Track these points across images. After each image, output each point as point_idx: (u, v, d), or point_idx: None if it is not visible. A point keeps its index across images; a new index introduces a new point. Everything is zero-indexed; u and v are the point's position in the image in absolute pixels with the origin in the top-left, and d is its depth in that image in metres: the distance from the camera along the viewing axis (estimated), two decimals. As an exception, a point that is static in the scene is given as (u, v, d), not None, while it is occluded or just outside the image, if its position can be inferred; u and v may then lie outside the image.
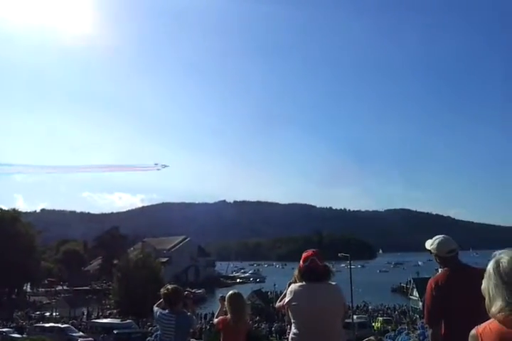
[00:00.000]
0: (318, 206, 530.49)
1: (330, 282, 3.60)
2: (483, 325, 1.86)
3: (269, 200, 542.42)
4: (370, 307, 56.05)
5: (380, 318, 41.51)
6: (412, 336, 11.68)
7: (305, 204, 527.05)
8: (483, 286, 1.93)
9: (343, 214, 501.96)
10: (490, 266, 1.90)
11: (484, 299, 1.90)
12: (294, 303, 3.47)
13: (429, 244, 3.74)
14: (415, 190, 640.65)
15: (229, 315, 5.13)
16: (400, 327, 22.34)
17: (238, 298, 5.27)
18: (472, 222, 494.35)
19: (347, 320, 35.04)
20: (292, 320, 3.52)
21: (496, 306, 1.81)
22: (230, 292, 5.39)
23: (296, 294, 3.48)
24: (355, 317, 36.91)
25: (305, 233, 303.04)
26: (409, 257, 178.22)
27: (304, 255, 3.63)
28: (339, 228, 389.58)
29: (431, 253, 3.75)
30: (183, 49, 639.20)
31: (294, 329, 3.49)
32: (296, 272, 3.64)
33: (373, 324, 39.37)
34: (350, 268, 34.27)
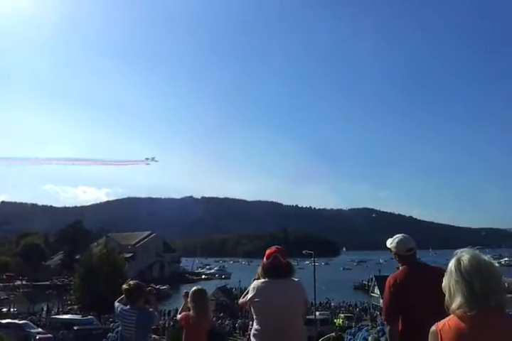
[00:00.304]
0: (284, 204, 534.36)
1: (293, 278, 3.62)
2: (442, 321, 1.91)
3: (237, 197, 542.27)
4: (332, 304, 56.92)
5: (342, 315, 42.21)
6: (371, 332, 11.93)
7: (272, 202, 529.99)
8: (444, 283, 1.98)
9: (309, 212, 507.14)
10: (451, 264, 1.97)
11: (440, 296, 1.97)
12: (256, 299, 3.48)
13: (389, 243, 3.83)
14: (380, 189, 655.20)
15: (191, 312, 5.11)
16: (360, 324, 22.79)
17: (201, 294, 5.25)
18: (433, 223, 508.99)
19: (309, 317, 35.45)
20: (254, 316, 3.53)
21: (455, 303, 1.87)
22: (194, 288, 5.36)
23: (258, 290, 3.49)
24: (317, 313, 37.43)
25: (271, 230, 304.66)
26: (372, 255, 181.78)
27: (267, 252, 3.65)
28: (305, 226, 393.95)
29: (391, 251, 3.84)
30: (142, 38, 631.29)
31: (255, 326, 3.50)
32: (259, 269, 3.66)
33: (335, 320, 40.00)
34: (314, 265, 34.69)
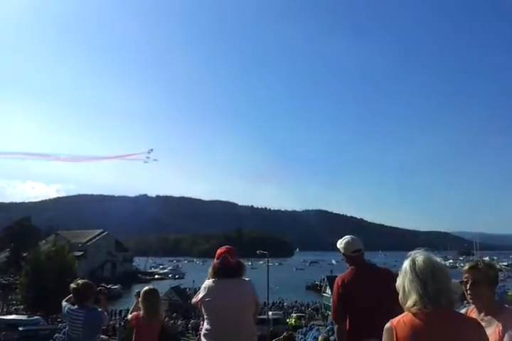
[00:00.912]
0: (240, 204, 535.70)
1: (243, 278, 3.65)
2: (397, 318, 2.01)
3: (193, 196, 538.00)
4: (285, 303, 57.39)
5: (294, 314, 42.68)
6: (322, 331, 12.17)
7: (228, 202, 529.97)
8: (398, 282, 2.08)
9: (264, 212, 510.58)
10: (406, 264, 2.08)
11: (386, 296, 2.06)
12: (206, 299, 3.49)
13: (339, 244, 3.95)
14: (333, 192, 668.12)
15: (142, 312, 5.05)
16: (311, 323, 23.15)
17: (152, 294, 5.18)
18: (383, 225, 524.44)
19: (262, 316, 35.71)
20: (205, 316, 3.54)
21: (410, 300, 1.98)
22: (145, 288, 5.30)
23: (209, 290, 3.51)
24: (270, 313, 37.70)
25: (226, 230, 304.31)
26: (324, 256, 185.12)
27: (217, 252, 3.67)
28: (260, 226, 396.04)
29: (340, 252, 3.96)
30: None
31: (206, 325, 3.52)
32: (210, 269, 3.68)
33: (288, 320, 40.42)
34: (268, 265, 34.84)
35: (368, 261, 4.12)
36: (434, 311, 1.94)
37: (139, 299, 5.15)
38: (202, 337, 3.55)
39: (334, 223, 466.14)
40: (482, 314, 2.48)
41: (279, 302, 57.67)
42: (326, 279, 54.43)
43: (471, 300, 2.54)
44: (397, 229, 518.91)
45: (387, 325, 2.01)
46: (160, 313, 5.24)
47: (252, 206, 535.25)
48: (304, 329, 18.87)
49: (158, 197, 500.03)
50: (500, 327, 2.36)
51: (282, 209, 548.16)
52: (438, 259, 2.09)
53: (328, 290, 49.83)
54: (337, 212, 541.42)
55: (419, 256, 2.09)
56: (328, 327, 13.17)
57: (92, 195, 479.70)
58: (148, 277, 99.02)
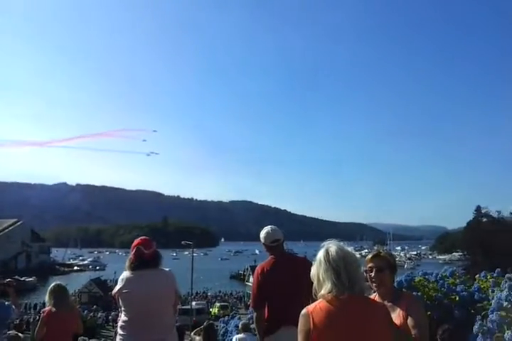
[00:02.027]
0: (166, 194, 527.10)
1: (162, 269, 3.65)
2: (313, 304, 2.13)
3: (116, 185, 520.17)
4: (209, 293, 57.59)
5: (218, 304, 43.01)
6: (243, 319, 12.47)
7: (153, 192, 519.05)
8: (313, 272, 2.20)
9: (190, 203, 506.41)
10: (320, 255, 2.21)
11: (302, 284, 2.20)
12: (123, 291, 3.46)
13: (260, 234, 4.09)
14: (259, 184, 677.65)
15: (52, 308, 4.99)
16: (233, 312, 23.53)
17: (60, 290, 5.11)
18: (305, 216, 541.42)
19: (185, 307, 35.69)
20: (122, 308, 3.51)
21: (325, 288, 2.11)
22: (53, 284, 5.23)
23: (126, 282, 3.49)
24: (193, 303, 37.76)
25: (151, 220, 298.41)
26: (249, 246, 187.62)
27: (133, 243, 3.64)
28: (186, 216, 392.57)
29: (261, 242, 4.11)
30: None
31: (123, 317, 3.49)
32: (127, 261, 3.66)
33: (211, 310, 40.68)
34: (193, 255, 34.77)
35: (289, 250, 4.30)
36: (347, 297, 2.08)
37: (47, 295, 5.09)
38: (119, 329, 3.53)
39: (259, 214, 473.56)
40: (385, 300, 2.66)
41: (203, 292, 57.77)
42: (249, 268, 55.37)
43: (375, 287, 2.71)
44: (318, 220, 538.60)
45: (304, 311, 2.12)
46: (70, 307, 5.14)
47: (178, 196, 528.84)
48: (226, 318, 19.08)
49: (78, 185, 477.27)
50: (403, 311, 2.57)
51: (209, 199, 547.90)
52: (349, 249, 2.24)
53: (251, 280, 50.72)
54: (262, 203, 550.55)
55: (331, 246, 2.21)
56: (249, 315, 13.47)
57: (5, 183, 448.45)
58: (66, 269, 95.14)
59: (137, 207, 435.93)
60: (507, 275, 8.52)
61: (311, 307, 2.11)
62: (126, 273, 3.57)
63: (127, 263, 3.60)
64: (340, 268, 2.12)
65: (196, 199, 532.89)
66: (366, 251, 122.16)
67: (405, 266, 77.70)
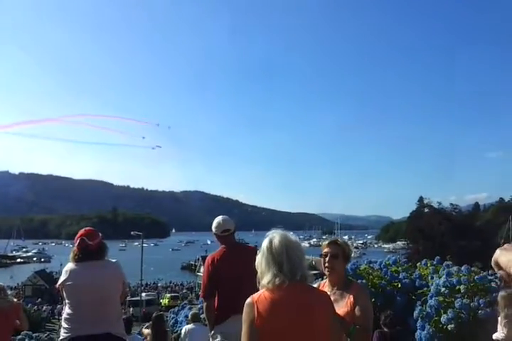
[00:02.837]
0: (115, 184, 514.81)
1: (108, 260, 3.60)
2: (257, 293, 2.15)
3: (62, 175, 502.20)
4: (159, 284, 57.17)
5: (168, 295, 42.79)
6: (193, 309, 12.49)
7: (102, 181, 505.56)
8: (257, 261, 2.21)
9: (141, 193, 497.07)
10: (264, 243, 2.21)
11: (252, 273, 2.23)
12: (68, 283, 3.40)
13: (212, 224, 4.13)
14: (211, 174, 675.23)
15: None
16: (183, 302, 23.50)
17: None
18: (256, 206, 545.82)
19: (135, 298, 35.28)
20: (66, 301, 3.45)
21: (267, 277, 2.12)
22: None
23: (70, 273, 3.43)
24: (143, 294, 37.39)
25: (100, 210, 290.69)
26: (200, 236, 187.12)
27: (77, 235, 3.58)
28: (136, 206, 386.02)
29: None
30: None
31: (67, 310, 3.43)
32: (71, 252, 3.59)
33: (161, 300, 40.42)
34: (142, 246, 34.36)
35: (240, 240, 4.35)
36: (290, 285, 2.10)
37: None
38: (63, 322, 3.47)
39: (211, 204, 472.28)
40: (335, 288, 2.77)
41: (153, 283, 57.30)
42: (200, 259, 55.31)
43: (327, 273, 2.79)
44: (269, 210, 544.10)
45: (248, 300, 2.13)
46: (7, 301, 4.95)
47: (128, 186, 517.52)
48: (177, 308, 19.02)
49: (21, 174, 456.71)
50: (352, 299, 2.67)
51: (160, 189, 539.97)
52: (293, 238, 2.24)
53: (202, 270, 50.73)
54: (214, 194, 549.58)
55: (276, 235, 2.22)
56: (199, 305, 13.49)
57: None
58: (8, 261, 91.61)
59: (85, 197, 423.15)
60: (445, 262, 9.03)
61: (255, 296, 2.13)
62: (70, 265, 3.51)
63: (71, 255, 3.54)
64: (283, 256, 2.12)
65: (147, 189, 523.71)
66: (315, 240, 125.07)
67: (352, 254, 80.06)
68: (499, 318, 4.88)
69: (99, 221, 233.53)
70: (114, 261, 3.65)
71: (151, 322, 7.38)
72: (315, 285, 2.92)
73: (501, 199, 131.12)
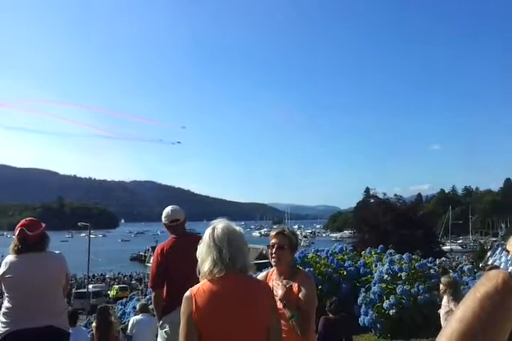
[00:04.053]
0: (61, 173, 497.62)
1: (51, 251, 3.52)
2: (196, 286, 2.12)
3: (3, 163, 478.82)
4: (107, 275, 56.13)
5: (116, 286, 42.06)
6: (142, 300, 12.37)
7: (46, 170, 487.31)
8: (198, 250, 2.19)
9: (88, 182, 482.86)
10: (206, 233, 2.19)
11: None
12: (7, 276, 3.30)
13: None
14: (162, 163, 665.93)
15: None
16: (132, 293, 23.19)
17: None
18: (208, 196, 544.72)
19: (82, 290, 34.42)
20: (6, 294, 3.35)
21: (206, 267, 2.09)
22: None
23: (9, 266, 3.33)
24: (90, 286, 36.54)
25: (45, 200, 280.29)
26: (151, 227, 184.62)
27: (17, 225, 3.48)
28: (84, 196, 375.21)
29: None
30: None
31: (6, 303, 3.33)
32: (11, 244, 3.48)
33: (109, 292, 39.72)
34: (90, 237, 33.40)
35: (191, 230, 4.35)
36: (229, 277, 2.08)
37: None
38: (1, 316, 3.35)
39: (162, 194, 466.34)
40: (282, 277, 2.80)
41: (101, 275, 56.21)
42: (150, 249, 54.66)
43: (274, 263, 2.81)
44: (221, 200, 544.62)
45: (187, 293, 2.10)
46: None
47: (75, 175, 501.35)
48: (125, 300, 18.77)
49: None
50: (297, 288, 2.71)
51: (109, 179, 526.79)
52: (237, 228, 2.22)
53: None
54: (165, 183, 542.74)
55: (219, 224, 2.20)
56: (147, 296, 13.38)
57: None
58: None
59: (29, 186, 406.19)
60: (388, 251, 9.43)
61: (194, 289, 2.10)
62: (9, 257, 3.40)
63: (11, 246, 3.43)
64: (224, 246, 2.10)
65: (95, 179, 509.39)
66: (265, 229, 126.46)
67: (301, 243, 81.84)
68: (444, 299, 5.16)
69: (44, 211, 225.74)
70: (57, 252, 3.57)
71: (95, 315, 7.25)
72: (263, 274, 2.99)
73: (442, 190, 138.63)
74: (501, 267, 0.60)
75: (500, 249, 0.62)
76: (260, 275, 2.98)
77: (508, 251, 0.60)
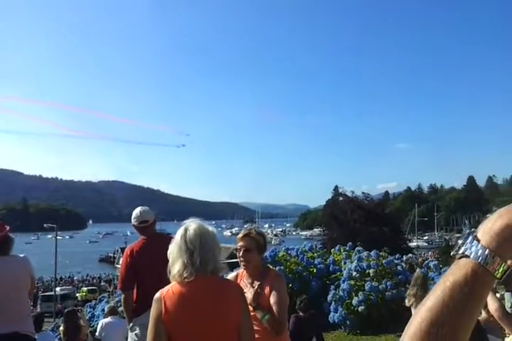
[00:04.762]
0: (26, 173, 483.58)
1: (14, 255, 3.44)
2: (166, 288, 2.09)
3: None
4: (75, 278, 55.08)
5: (85, 288, 41.37)
6: (111, 302, 12.21)
7: (10, 170, 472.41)
8: (169, 250, 2.15)
9: (54, 183, 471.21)
10: (178, 233, 2.15)
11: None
12: None
13: None
14: (131, 163, 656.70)
15: None
16: (101, 296, 22.82)
17: None
18: (179, 196, 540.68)
19: (49, 293, 33.65)
20: None
21: (176, 267, 2.07)
22: None
23: None
24: (58, 289, 35.77)
25: (9, 201, 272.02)
26: (120, 227, 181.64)
27: None
28: (49, 197, 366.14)
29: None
30: None
31: None
32: None
33: (77, 294, 39.01)
34: (56, 238, 32.69)
35: (162, 230, 4.32)
36: (199, 279, 2.05)
37: None
38: None
39: (132, 194, 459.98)
40: (251, 278, 2.81)
41: (69, 277, 55.13)
42: (119, 250, 53.88)
43: (243, 266, 2.81)
44: (192, 199, 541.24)
45: (157, 295, 2.08)
46: None
47: (40, 175, 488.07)
48: (93, 302, 18.46)
49: None
50: (268, 288, 2.72)
51: (76, 179, 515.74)
52: (210, 228, 2.19)
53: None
54: (135, 183, 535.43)
55: (192, 224, 2.17)
56: (117, 298, 13.20)
57: None
58: None
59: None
60: (357, 248, 9.60)
61: (164, 290, 2.08)
62: None
63: None
64: (195, 248, 2.07)
65: (62, 179, 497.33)
66: (237, 229, 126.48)
67: (272, 242, 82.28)
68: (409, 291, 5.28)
69: (8, 213, 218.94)
70: (21, 256, 3.49)
71: (63, 318, 7.11)
72: (233, 274, 2.98)
73: (408, 188, 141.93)
74: (471, 256, 0.61)
75: (471, 237, 0.62)
76: (230, 276, 2.98)
77: (478, 240, 0.61)
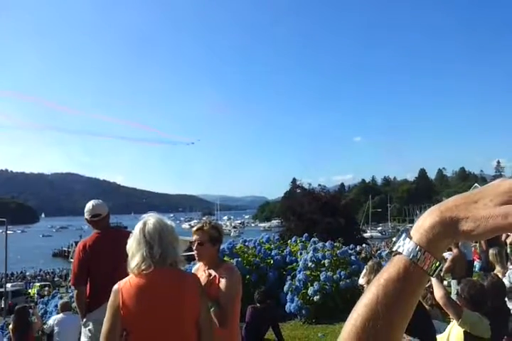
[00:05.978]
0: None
1: None
2: (124, 280, 2.11)
3: None
4: (28, 273, 53.39)
5: (37, 284, 40.24)
6: (63, 298, 11.91)
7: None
8: (128, 245, 2.17)
9: (4, 174, 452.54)
10: (137, 227, 2.17)
11: (125, 258, 2.20)
12: None
13: None
14: (86, 155, 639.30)
15: None
16: (54, 291, 22.22)
17: None
18: (135, 189, 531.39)
19: (-1, 289, 32.43)
20: None
21: (135, 262, 2.09)
22: None
23: None
24: (9, 285, 34.59)
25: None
26: (74, 221, 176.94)
27: None
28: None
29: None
30: None
31: None
32: None
33: (30, 290, 37.93)
34: (6, 233, 31.47)
35: (118, 223, 4.23)
36: (157, 270, 2.08)
37: None
38: None
39: (87, 187, 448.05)
40: (208, 269, 2.83)
41: (21, 272, 53.38)
42: (74, 245, 52.66)
43: (197, 259, 2.84)
44: (149, 192, 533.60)
45: (115, 286, 2.10)
46: None
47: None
48: (47, 298, 17.95)
49: None
50: (218, 279, 2.74)
51: (27, 171, 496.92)
52: (169, 222, 2.22)
53: (76, 256, 48.35)
54: (90, 176, 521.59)
55: (150, 218, 2.19)
56: (71, 294, 12.90)
57: None
58: None
59: None
60: (312, 239, 9.79)
61: (121, 282, 2.10)
62: None
63: None
64: (155, 241, 2.10)
65: (12, 171, 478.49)
66: (195, 221, 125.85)
67: (231, 234, 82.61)
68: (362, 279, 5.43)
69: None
70: None
71: (13, 316, 6.89)
72: (196, 266, 3.01)
73: (363, 180, 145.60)
74: (403, 253, 0.62)
75: (404, 234, 0.64)
76: (194, 269, 3.01)
77: (411, 237, 0.63)
